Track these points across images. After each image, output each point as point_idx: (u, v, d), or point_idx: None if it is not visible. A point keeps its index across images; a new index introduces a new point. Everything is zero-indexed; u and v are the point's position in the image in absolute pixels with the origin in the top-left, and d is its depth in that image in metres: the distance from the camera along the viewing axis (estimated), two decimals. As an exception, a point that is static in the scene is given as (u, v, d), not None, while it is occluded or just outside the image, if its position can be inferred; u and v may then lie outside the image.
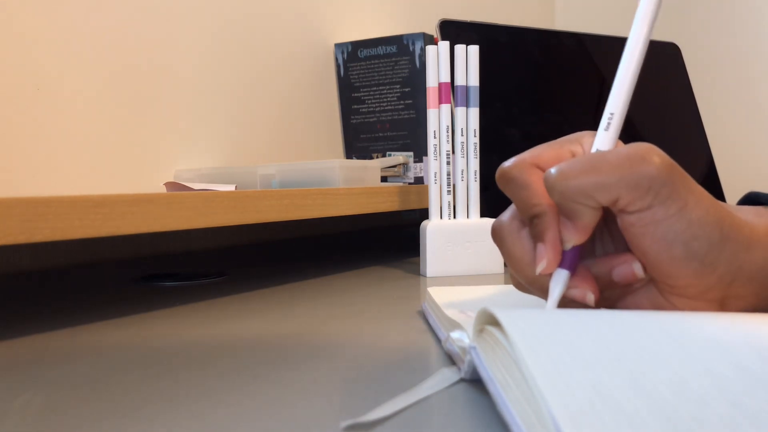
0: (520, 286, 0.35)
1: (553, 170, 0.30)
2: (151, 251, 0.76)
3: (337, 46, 0.99)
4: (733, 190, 1.02)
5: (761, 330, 0.25)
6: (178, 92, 0.78)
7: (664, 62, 0.97)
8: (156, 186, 0.75)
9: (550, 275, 0.32)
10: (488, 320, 0.27)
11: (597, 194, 0.29)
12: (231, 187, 0.65)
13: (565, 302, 0.32)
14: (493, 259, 0.63)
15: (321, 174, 0.66)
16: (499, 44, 0.80)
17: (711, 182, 0.96)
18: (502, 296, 0.44)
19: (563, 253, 0.31)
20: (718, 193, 0.95)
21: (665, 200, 0.29)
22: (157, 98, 0.76)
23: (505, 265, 0.65)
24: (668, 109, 0.95)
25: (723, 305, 0.30)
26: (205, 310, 0.48)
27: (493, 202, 0.72)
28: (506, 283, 0.58)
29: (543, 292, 0.33)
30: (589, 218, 0.30)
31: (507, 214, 0.35)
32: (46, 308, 0.51)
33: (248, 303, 0.50)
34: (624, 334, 0.24)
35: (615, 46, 0.89)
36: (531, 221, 0.32)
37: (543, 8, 1.67)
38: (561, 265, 0.31)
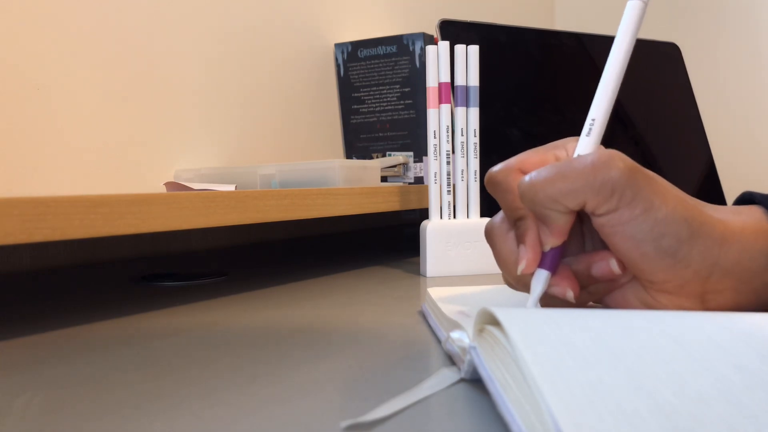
0: (509, 284, 0.37)
1: (525, 178, 0.32)
2: (151, 251, 0.76)
3: (337, 46, 0.99)
4: (733, 190, 1.02)
5: (761, 330, 0.25)
6: (178, 92, 0.78)
7: (664, 62, 0.97)
8: (156, 186, 0.75)
9: (532, 274, 0.34)
10: (488, 320, 0.27)
11: (564, 200, 0.31)
12: (231, 187, 0.65)
13: (548, 299, 0.34)
14: (493, 259, 0.63)
15: (321, 174, 0.66)
16: (499, 44, 0.80)
17: (711, 182, 0.96)
18: (502, 296, 0.44)
19: (543, 254, 0.33)
20: (718, 193, 0.95)
21: (630, 202, 0.30)
22: (157, 98, 0.76)
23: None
24: (668, 109, 0.95)
25: (703, 300, 0.32)
26: (205, 310, 0.48)
27: (493, 202, 0.72)
28: (506, 283, 0.58)
29: (528, 290, 0.34)
30: (561, 222, 0.32)
31: (498, 216, 0.37)
32: (46, 308, 0.51)
33: (248, 303, 0.50)
34: (624, 334, 0.24)
35: (615, 46, 0.88)
36: (515, 224, 0.35)
37: (543, 8, 1.67)
38: (541, 265, 0.33)
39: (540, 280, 0.33)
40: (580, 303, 0.34)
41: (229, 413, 0.27)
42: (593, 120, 0.34)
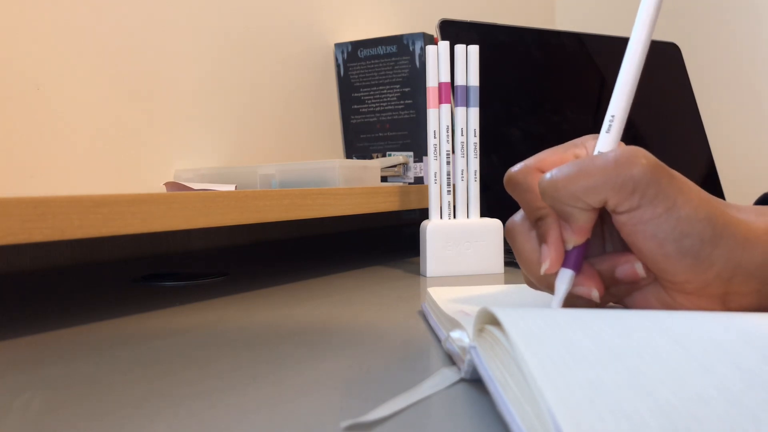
0: (531, 284, 0.36)
1: (546, 176, 0.32)
2: (151, 251, 0.76)
3: (337, 46, 0.99)
4: (733, 190, 1.02)
5: (761, 330, 0.25)
6: (178, 92, 0.78)
7: (664, 62, 0.97)
8: (156, 186, 0.75)
9: (555, 274, 0.33)
10: (488, 320, 0.27)
11: (586, 197, 0.31)
12: (231, 187, 0.65)
13: (572, 299, 0.33)
14: (493, 259, 0.63)
15: (321, 174, 0.66)
16: (499, 44, 0.80)
17: (711, 182, 0.96)
18: (502, 296, 0.44)
19: (567, 253, 0.33)
20: (718, 193, 0.95)
21: (652, 200, 0.30)
22: (157, 98, 0.76)
23: (506, 264, 0.65)
24: (668, 109, 0.95)
25: (725, 302, 0.31)
26: (205, 310, 0.48)
27: (493, 202, 0.72)
28: (506, 283, 0.58)
29: (551, 290, 0.34)
30: (583, 220, 0.32)
31: (519, 215, 0.36)
32: (46, 308, 0.51)
33: (248, 303, 0.50)
34: (623, 333, 0.24)
35: (615, 46, 0.89)
36: (536, 223, 0.34)
37: (543, 8, 1.67)
38: (565, 264, 0.33)
39: (564, 279, 0.33)
40: (601, 303, 0.34)
41: (229, 413, 0.27)
42: (612, 116, 0.33)
